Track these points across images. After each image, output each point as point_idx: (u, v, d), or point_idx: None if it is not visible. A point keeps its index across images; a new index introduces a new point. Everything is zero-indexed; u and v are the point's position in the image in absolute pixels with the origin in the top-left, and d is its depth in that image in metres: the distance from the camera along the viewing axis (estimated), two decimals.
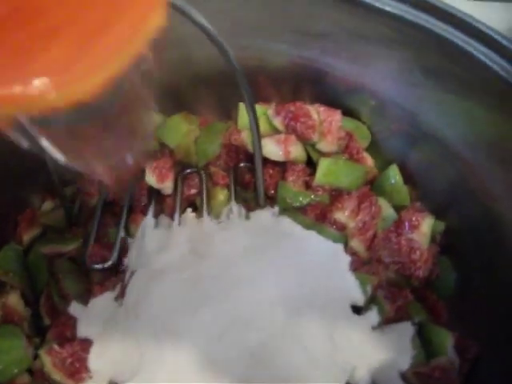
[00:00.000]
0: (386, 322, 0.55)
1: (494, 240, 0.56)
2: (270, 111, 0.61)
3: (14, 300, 0.55)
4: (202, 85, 0.66)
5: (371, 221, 0.59)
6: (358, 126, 0.64)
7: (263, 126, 0.62)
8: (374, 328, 0.53)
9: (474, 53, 0.52)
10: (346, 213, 0.59)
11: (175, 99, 0.66)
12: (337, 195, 0.61)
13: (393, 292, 0.56)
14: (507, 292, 0.53)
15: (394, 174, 0.62)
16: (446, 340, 0.53)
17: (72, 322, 0.53)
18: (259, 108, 0.63)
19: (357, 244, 0.58)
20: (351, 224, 0.59)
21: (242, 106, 0.63)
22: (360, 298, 0.55)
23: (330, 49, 0.61)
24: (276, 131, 0.61)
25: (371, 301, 0.55)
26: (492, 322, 0.54)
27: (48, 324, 0.56)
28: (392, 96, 0.61)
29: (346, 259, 0.57)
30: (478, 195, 0.57)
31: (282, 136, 0.60)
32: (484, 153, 0.56)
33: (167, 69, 0.63)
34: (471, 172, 0.58)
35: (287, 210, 0.59)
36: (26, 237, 0.60)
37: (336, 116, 0.61)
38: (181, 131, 0.63)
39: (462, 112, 0.57)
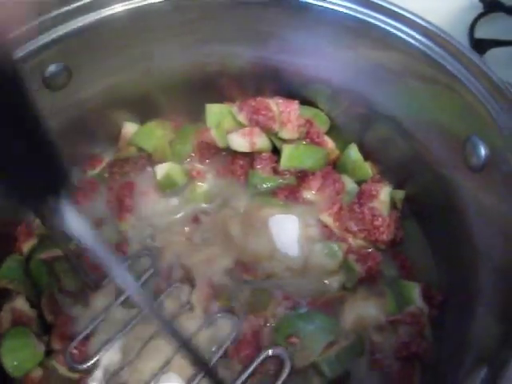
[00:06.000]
0: (360, 282, 0.61)
1: (448, 201, 0.62)
2: (235, 108, 0.68)
3: (20, 303, 0.60)
4: (170, 93, 0.72)
5: (336, 196, 0.65)
6: (317, 113, 0.70)
7: (230, 123, 0.69)
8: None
9: (409, 40, 0.58)
10: (313, 191, 0.65)
11: (146, 109, 0.72)
12: (302, 176, 0.67)
13: (363, 254, 0.62)
14: (463, 246, 0.59)
15: (353, 153, 0.69)
16: (413, 290, 0.59)
17: (73, 321, 0.59)
18: (225, 107, 0.70)
19: (326, 218, 0.65)
20: (319, 201, 0.65)
21: (208, 107, 0.70)
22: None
23: (282, 47, 0.67)
24: (242, 126, 0.68)
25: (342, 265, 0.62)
26: (452, 272, 0.61)
27: (51, 321, 0.61)
28: (345, 84, 0.68)
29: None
30: (429, 164, 0.64)
31: (247, 129, 0.67)
32: (428, 126, 0.63)
33: (136, 81, 0.70)
34: (420, 144, 0.64)
35: (259, 195, 0.65)
36: (25, 247, 0.65)
37: (294, 106, 0.68)
38: (156, 135, 0.69)
39: (406, 93, 0.63)
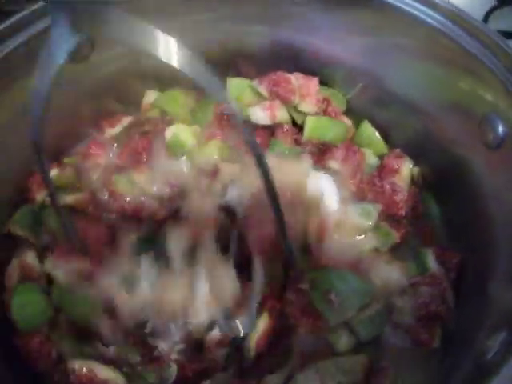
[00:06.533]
0: (392, 247, 0.61)
1: (463, 178, 0.63)
2: (255, 82, 0.69)
3: (30, 258, 0.59)
4: None
5: (358, 166, 0.65)
6: (334, 93, 0.72)
7: (249, 97, 0.70)
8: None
9: (426, 19, 0.59)
10: (338, 161, 0.65)
11: (168, 81, 0.72)
12: (324, 149, 0.67)
13: (395, 222, 0.63)
14: (480, 219, 0.60)
15: (365, 128, 0.70)
16: (427, 256, 0.60)
17: None
18: (244, 81, 0.71)
19: (351, 186, 0.65)
20: (343, 170, 0.65)
21: (229, 80, 0.71)
22: None
23: (301, 27, 0.69)
24: (261, 99, 0.69)
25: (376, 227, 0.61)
26: (469, 240, 0.61)
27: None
28: (360, 65, 0.69)
29: None
30: (441, 143, 0.65)
31: (268, 103, 0.68)
32: (443, 106, 0.64)
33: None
34: (435, 123, 0.65)
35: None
36: (38, 196, 0.64)
37: (313, 81, 0.69)
38: (178, 101, 0.69)
39: (422, 73, 0.65)
